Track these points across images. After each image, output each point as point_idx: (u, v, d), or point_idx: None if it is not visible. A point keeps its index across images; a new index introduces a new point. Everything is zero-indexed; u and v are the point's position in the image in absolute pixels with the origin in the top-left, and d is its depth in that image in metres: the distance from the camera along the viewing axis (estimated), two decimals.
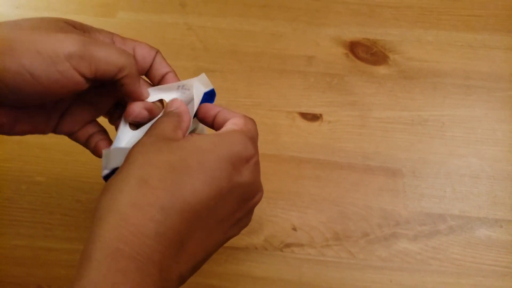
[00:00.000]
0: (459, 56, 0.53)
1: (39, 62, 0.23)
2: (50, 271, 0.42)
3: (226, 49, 0.53)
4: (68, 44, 0.24)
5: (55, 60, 0.24)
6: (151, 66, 0.31)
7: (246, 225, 0.30)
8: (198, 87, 0.31)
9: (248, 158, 0.26)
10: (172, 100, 0.30)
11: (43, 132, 0.30)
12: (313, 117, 0.49)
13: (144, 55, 0.30)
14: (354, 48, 0.53)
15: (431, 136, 0.49)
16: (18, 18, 0.59)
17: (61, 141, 0.48)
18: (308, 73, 0.52)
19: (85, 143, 0.32)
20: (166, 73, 0.31)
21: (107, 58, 0.26)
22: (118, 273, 0.20)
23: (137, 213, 0.22)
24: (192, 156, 0.24)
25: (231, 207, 0.25)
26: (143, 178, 0.23)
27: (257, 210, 0.44)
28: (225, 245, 0.43)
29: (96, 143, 0.31)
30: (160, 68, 0.31)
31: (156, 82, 0.31)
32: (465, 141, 0.48)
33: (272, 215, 0.44)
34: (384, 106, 0.50)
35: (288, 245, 0.43)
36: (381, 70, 0.52)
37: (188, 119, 0.28)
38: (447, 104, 0.50)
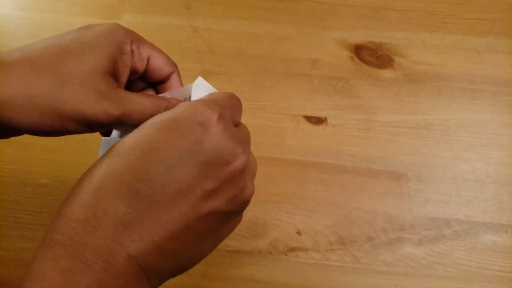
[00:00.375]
0: (465, 60, 0.53)
1: (80, 127, 0.26)
2: None
3: (231, 52, 0.53)
4: (112, 112, 0.26)
5: (94, 126, 0.27)
6: (163, 82, 0.31)
7: (234, 196, 0.25)
8: (197, 92, 0.30)
9: (203, 122, 0.24)
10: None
11: None
12: (318, 121, 0.49)
13: (158, 67, 0.30)
14: (359, 51, 0.53)
15: (436, 140, 0.48)
16: (22, 20, 0.59)
17: (66, 143, 0.48)
18: (313, 76, 0.52)
19: None
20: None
21: (138, 118, 0.27)
22: (49, 261, 0.20)
23: (70, 202, 0.22)
24: (134, 137, 0.24)
25: (188, 175, 0.23)
26: (90, 168, 0.24)
27: (261, 214, 0.44)
28: (230, 249, 0.43)
29: None
30: (174, 86, 0.31)
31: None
32: (471, 145, 0.48)
33: (277, 219, 0.44)
34: (389, 110, 0.50)
35: (292, 249, 0.43)
36: (386, 73, 0.52)
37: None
38: (452, 108, 0.50)
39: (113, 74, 0.28)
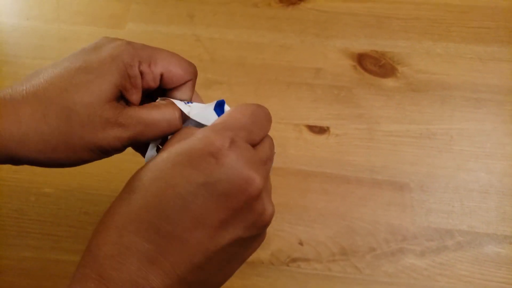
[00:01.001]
0: (468, 69, 0.53)
1: (93, 155, 0.28)
2: (58, 283, 0.42)
3: (234, 61, 0.53)
4: (123, 137, 0.28)
5: (109, 152, 0.28)
6: (176, 87, 0.30)
7: (254, 222, 0.25)
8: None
9: (214, 153, 0.24)
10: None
11: None
12: (321, 130, 0.49)
13: (174, 80, 0.30)
14: (362, 60, 0.53)
15: (439, 150, 0.48)
16: (28, 29, 0.60)
17: None
18: (315, 86, 0.52)
19: None
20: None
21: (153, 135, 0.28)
22: None
23: (97, 239, 0.23)
24: (151, 173, 0.25)
25: (204, 209, 0.23)
26: (113, 204, 0.24)
27: None
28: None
29: None
30: (182, 96, 0.30)
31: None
32: (474, 155, 0.48)
33: (279, 229, 0.44)
34: (392, 119, 0.50)
35: (294, 260, 0.43)
36: (389, 82, 0.52)
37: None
38: (455, 117, 0.50)
39: (121, 98, 0.28)
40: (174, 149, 0.25)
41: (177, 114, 0.28)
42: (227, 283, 0.42)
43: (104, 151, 0.27)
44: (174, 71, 0.29)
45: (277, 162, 0.48)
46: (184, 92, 0.30)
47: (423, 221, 0.45)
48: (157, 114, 0.28)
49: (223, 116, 0.27)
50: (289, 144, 0.49)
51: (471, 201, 0.46)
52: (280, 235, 0.44)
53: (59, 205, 0.46)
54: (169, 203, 0.23)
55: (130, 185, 0.25)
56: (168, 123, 0.28)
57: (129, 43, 0.29)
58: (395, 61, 0.53)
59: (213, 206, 0.23)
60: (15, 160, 0.26)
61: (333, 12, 0.56)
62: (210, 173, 0.23)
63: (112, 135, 0.27)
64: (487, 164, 0.47)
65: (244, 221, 0.24)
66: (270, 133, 0.49)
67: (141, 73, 0.28)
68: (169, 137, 0.30)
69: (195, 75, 0.31)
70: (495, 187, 0.46)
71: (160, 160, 0.25)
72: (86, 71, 0.27)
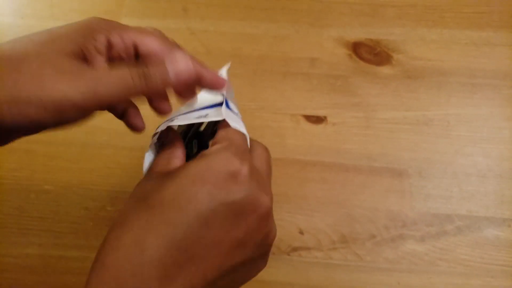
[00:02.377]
0: (464, 54, 0.53)
1: (45, 114, 0.24)
2: (61, 278, 0.42)
3: (229, 53, 0.53)
4: (72, 94, 0.24)
5: (62, 111, 0.24)
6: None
7: (261, 242, 0.26)
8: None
9: (234, 173, 0.25)
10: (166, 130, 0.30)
11: None
12: (318, 119, 0.49)
13: (151, 51, 0.28)
14: (357, 49, 0.53)
15: (437, 136, 0.48)
16: (22, 28, 0.60)
17: (68, 149, 0.49)
18: (311, 75, 0.52)
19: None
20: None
21: (108, 95, 0.25)
22: None
23: (114, 255, 0.23)
24: (172, 188, 0.25)
25: (222, 227, 0.24)
26: (125, 214, 0.25)
27: None
28: None
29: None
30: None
31: None
32: (471, 140, 0.48)
33: (279, 219, 0.45)
34: (388, 107, 0.50)
35: (295, 249, 0.43)
36: (385, 70, 0.52)
37: (180, 145, 0.29)
38: (452, 103, 0.50)
39: (82, 59, 0.26)
40: (193, 165, 0.25)
41: (134, 77, 0.26)
42: None
43: (58, 109, 0.24)
44: (148, 41, 0.28)
45: (275, 152, 0.48)
46: (175, 60, 0.27)
47: (422, 207, 0.45)
48: (118, 72, 0.26)
49: (238, 139, 0.28)
50: (287, 134, 0.49)
51: (470, 185, 0.46)
52: (280, 225, 0.44)
53: (59, 202, 0.46)
54: (189, 220, 0.23)
55: (147, 196, 0.25)
56: (124, 84, 0.25)
57: (104, 18, 0.28)
58: (390, 48, 0.53)
59: (231, 225, 0.24)
60: None
61: (327, 1, 0.56)
62: (229, 192, 0.24)
63: (64, 88, 0.23)
64: (484, 148, 0.48)
65: (254, 240, 0.26)
66: (268, 124, 0.49)
67: (110, 43, 0.27)
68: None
69: (176, 46, 0.30)
70: (493, 171, 0.46)
71: (180, 176, 0.25)
72: (50, 32, 0.26)
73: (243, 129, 0.30)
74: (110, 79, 0.25)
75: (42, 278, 0.43)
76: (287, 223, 0.44)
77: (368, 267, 0.42)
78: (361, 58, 0.53)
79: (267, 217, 0.26)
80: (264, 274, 0.42)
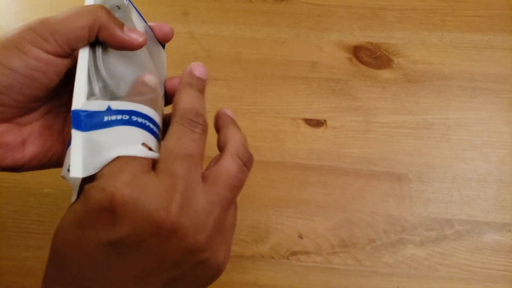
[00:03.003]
0: (464, 58, 0.53)
1: (10, 55, 0.24)
2: None
3: (230, 57, 0.53)
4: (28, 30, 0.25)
5: (23, 49, 0.25)
6: None
7: (178, 263, 0.23)
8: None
9: (107, 206, 0.22)
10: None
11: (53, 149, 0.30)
12: (318, 123, 0.49)
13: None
14: (358, 53, 0.53)
15: (437, 140, 0.48)
16: None
17: None
18: (311, 79, 0.52)
19: None
20: None
21: (68, 25, 0.25)
22: None
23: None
24: (59, 235, 0.24)
25: (117, 268, 0.23)
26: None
27: (263, 218, 0.45)
28: (232, 254, 0.43)
29: None
30: None
31: None
32: (472, 144, 0.48)
33: (278, 223, 0.44)
34: (388, 111, 0.50)
35: (294, 253, 0.43)
36: (385, 74, 0.52)
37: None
38: (452, 107, 0.50)
39: None
40: (74, 208, 0.23)
41: (102, 15, 0.26)
42: (226, 279, 0.42)
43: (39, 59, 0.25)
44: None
45: (275, 156, 0.48)
46: None
47: (422, 211, 0.45)
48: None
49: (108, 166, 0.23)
50: (287, 138, 0.49)
51: (470, 190, 0.46)
52: (280, 229, 0.44)
53: (58, 205, 0.46)
54: (85, 270, 0.22)
55: (51, 250, 0.24)
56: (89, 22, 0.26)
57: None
58: (391, 52, 0.53)
59: (126, 263, 0.23)
60: None
61: (327, 5, 0.56)
62: (111, 229, 0.22)
63: (40, 44, 0.25)
64: (485, 153, 0.47)
65: (171, 260, 0.23)
66: (268, 127, 0.49)
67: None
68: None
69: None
70: (493, 176, 0.46)
71: (65, 223, 0.23)
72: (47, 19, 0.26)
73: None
74: (69, 12, 0.26)
75: (40, 281, 0.43)
76: (286, 227, 0.44)
77: (368, 272, 0.42)
78: (362, 61, 0.53)
79: (170, 232, 0.22)
80: (263, 278, 0.42)
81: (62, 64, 0.26)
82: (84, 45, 0.27)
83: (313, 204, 0.45)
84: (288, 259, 0.43)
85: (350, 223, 0.44)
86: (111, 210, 0.21)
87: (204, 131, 0.25)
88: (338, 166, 0.47)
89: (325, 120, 0.50)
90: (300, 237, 0.44)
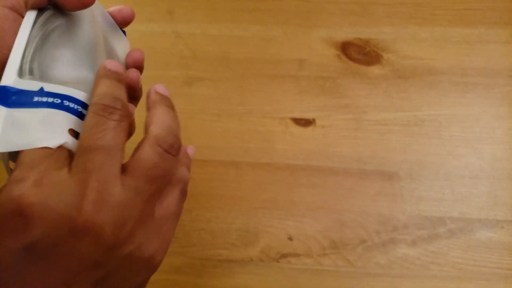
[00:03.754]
0: (456, 52, 0.52)
1: None
2: None
3: (216, 56, 0.53)
4: None
5: None
6: None
7: (98, 262, 0.22)
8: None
9: (16, 210, 0.20)
10: None
11: None
12: (306, 122, 0.49)
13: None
14: (346, 49, 0.52)
15: (428, 137, 0.47)
16: None
17: None
18: (300, 77, 0.51)
19: None
20: None
21: None
22: None
23: None
24: None
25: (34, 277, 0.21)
26: None
27: (252, 221, 0.44)
28: (221, 258, 0.43)
29: None
30: None
31: None
32: (464, 140, 0.47)
33: (268, 226, 0.44)
34: (378, 108, 0.49)
35: (284, 256, 0.43)
36: (375, 70, 0.51)
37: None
38: (444, 103, 0.49)
39: None
40: None
41: None
42: (218, 283, 0.42)
43: None
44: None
45: (264, 157, 0.47)
46: None
47: (414, 210, 0.44)
48: None
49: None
50: (275, 139, 0.48)
51: (462, 187, 0.45)
52: (269, 231, 0.44)
53: None
54: (3, 281, 0.20)
55: None
56: None
57: None
58: (380, 48, 0.52)
59: (47, 268, 0.21)
60: None
61: (315, 2, 0.55)
62: (23, 234, 0.20)
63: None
64: (477, 149, 0.47)
65: (93, 259, 0.21)
66: (256, 128, 0.48)
67: None
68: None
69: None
70: (485, 172, 0.46)
71: None
72: None
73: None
74: None
75: None
76: (276, 229, 0.44)
77: (359, 273, 0.42)
78: (350, 58, 0.52)
79: (83, 231, 0.21)
80: (253, 282, 0.42)
81: (20, 23, 0.24)
82: (33, 8, 0.25)
83: (303, 205, 0.45)
84: (278, 262, 0.42)
85: (340, 224, 0.44)
86: (20, 214, 0.20)
87: (124, 116, 0.23)
88: (328, 166, 0.46)
89: (314, 119, 0.49)
90: (290, 239, 0.43)
